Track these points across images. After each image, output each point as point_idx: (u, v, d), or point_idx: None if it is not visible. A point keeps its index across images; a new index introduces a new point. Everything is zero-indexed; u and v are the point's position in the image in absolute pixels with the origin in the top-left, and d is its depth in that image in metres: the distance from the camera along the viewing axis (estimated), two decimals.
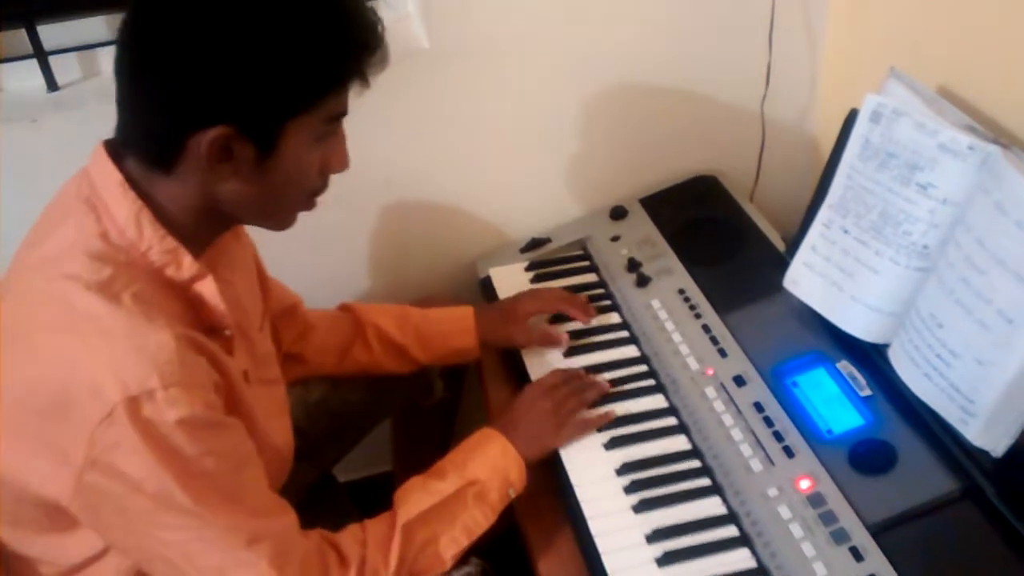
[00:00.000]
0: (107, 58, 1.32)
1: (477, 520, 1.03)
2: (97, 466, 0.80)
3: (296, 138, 0.85)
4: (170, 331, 0.81)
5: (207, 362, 0.85)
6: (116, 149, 0.88)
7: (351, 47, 0.84)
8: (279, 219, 0.93)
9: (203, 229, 0.90)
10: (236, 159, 0.83)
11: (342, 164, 0.91)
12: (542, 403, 1.13)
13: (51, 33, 1.27)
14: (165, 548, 0.85)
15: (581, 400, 1.16)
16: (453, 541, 1.02)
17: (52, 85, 1.29)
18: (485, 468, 1.05)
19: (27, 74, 1.28)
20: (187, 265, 0.87)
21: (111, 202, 0.85)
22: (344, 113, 0.88)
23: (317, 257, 1.40)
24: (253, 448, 0.91)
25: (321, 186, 0.91)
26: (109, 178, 0.85)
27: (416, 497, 1.02)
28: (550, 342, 1.28)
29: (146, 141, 0.85)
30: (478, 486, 1.04)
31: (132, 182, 0.86)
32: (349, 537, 0.98)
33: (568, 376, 1.19)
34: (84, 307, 0.80)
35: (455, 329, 1.30)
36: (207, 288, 0.88)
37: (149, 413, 0.79)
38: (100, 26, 1.30)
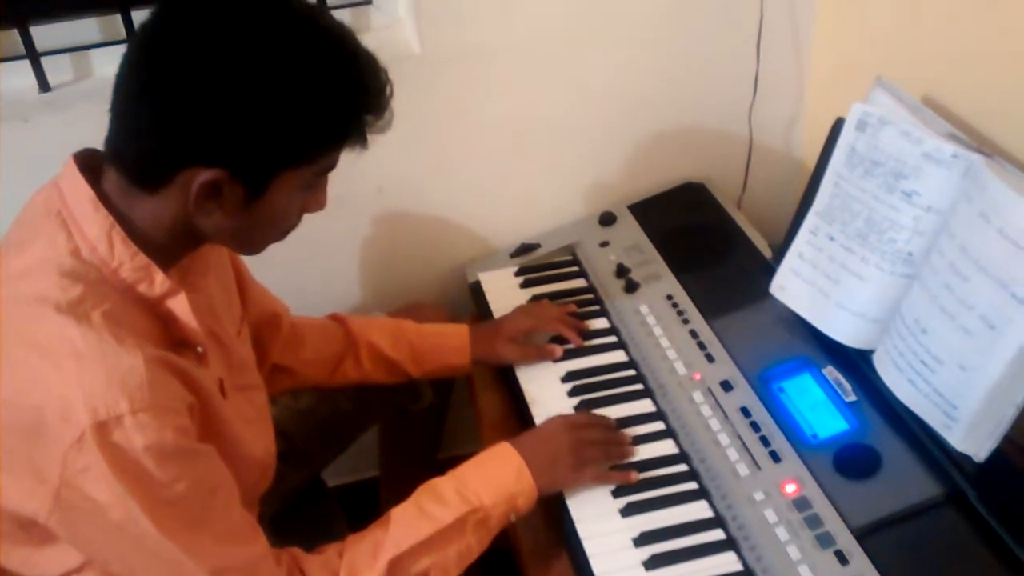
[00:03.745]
0: (99, 60, 1.32)
1: (472, 547, 1.01)
2: (70, 487, 0.80)
3: (286, 186, 0.86)
4: (141, 353, 0.81)
5: (179, 383, 0.85)
6: (90, 162, 0.87)
7: (358, 111, 0.85)
8: (252, 249, 0.94)
9: (176, 246, 0.90)
10: (223, 198, 0.84)
11: (320, 207, 0.93)
12: (564, 437, 1.09)
13: (44, 34, 1.27)
14: (140, 568, 0.86)
15: (606, 452, 1.11)
16: (444, 572, 0.99)
17: (44, 86, 1.29)
18: (492, 492, 1.01)
19: (19, 75, 1.28)
20: (159, 282, 0.86)
21: (82, 219, 0.85)
22: (334, 167, 0.89)
23: (308, 263, 1.40)
24: (226, 473, 0.90)
25: (297, 224, 0.92)
26: (81, 194, 0.85)
27: (411, 523, 0.99)
28: (544, 356, 1.28)
29: (136, 161, 0.84)
30: (481, 513, 1.00)
31: (106, 197, 0.85)
32: (321, 565, 0.96)
33: (598, 421, 1.15)
34: (56, 330, 0.80)
35: (450, 346, 1.30)
36: (179, 305, 0.88)
37: (118, 439, 0.78)
38: (92, 28, 1.31)
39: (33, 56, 1.27)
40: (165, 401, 0.82)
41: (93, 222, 0.84)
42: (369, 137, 0.88)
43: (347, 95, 0.84)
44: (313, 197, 0.91)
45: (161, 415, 0.81)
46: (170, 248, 0.89)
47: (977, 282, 0.97)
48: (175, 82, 0.79)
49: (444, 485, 1.03)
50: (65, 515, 0.82)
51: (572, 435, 1.09)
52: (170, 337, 0.89)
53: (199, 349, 0.92)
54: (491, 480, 1.03)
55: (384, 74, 0.87)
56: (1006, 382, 0.95)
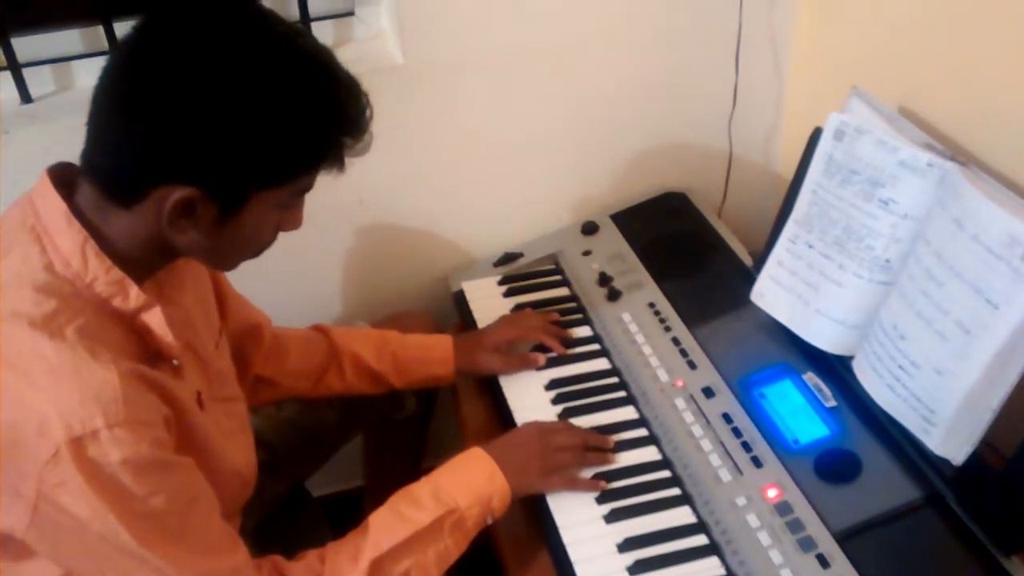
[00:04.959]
0: (81, 71, 1.32)
1: (450, 549, 1.02)
2: (47, 501, 0.80)
3: (261, 205, 0.86)
4: (115, 368, 0.81)
5: (156, 396, 0.85)
6: (64, 175, 0.87)
7: (335, 134, 0.85)
8: (226, 266, 0.95)
9: (151, 260, 0.90)
10: (197, 216, 0.84)
11: (295, 227, 0.93)
12: (534, 442, 1.11)
13: (25, 45, 1.27)
14: None
15: (579, 459, 1.12)
16: (424, 573, 1.00)
17: (26, 97, 1.29)
18: (467, 495, 1.03)
19: (0, 86, 1.28)
20: (134, 296, 0.86)
21: (56, 233, 0.84)
22: (311, 188, 0.90)
23: (290, 274, 1.40)
24: (204, 485, 0.90)
25: (271, 243, 0.93)
26: (54, 208, 0.85)
27: (389, 526, 1.00)
28: (528, 365, 1.29)
29: (110, 176, 0.84)
30: (456, 514, 1.01)
31: (79, 211, 0.85)
32: (304, 569, 0.96)
33: (571, 428, 1.16)
34: (29, 345, 0.80)
35: (433, 358, 1.30)
36: (154, 319, 0.88)
37: (94, 454, 0.78)
38: (75, 39, 1.30)
39: (14, 67, 1.27)
40: (141, 415, 0.82)
41: (67, 236, 0.84)
42: (346, 160, 0.88)
43: (324, 118, 0.84)
44: (288, 216, 0.91)
45: (137, 429, 0.80)
46: (145, 262, 0.89)
47: (953, 288, 0.99)
48: (153, 99, 0.79)
49: (419, 489, 1.04)
50: (42, 530, 0.82)
51: (542, 441, 1.11)
52: (146, 350, 0.88)
53: (175, 362, 0.92)
54: (465, 482, 1.04)
55: (364, 98, 0.87)
56: (982, 386, 0.96)
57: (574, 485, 1.10)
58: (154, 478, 0.82)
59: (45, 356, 0.79)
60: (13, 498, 0.81)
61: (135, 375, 0.83)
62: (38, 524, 0.81)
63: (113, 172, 0.84)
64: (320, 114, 0.84)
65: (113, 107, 0.82)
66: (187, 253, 0.90)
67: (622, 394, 1.23)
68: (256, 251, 0.92)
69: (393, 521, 1.00)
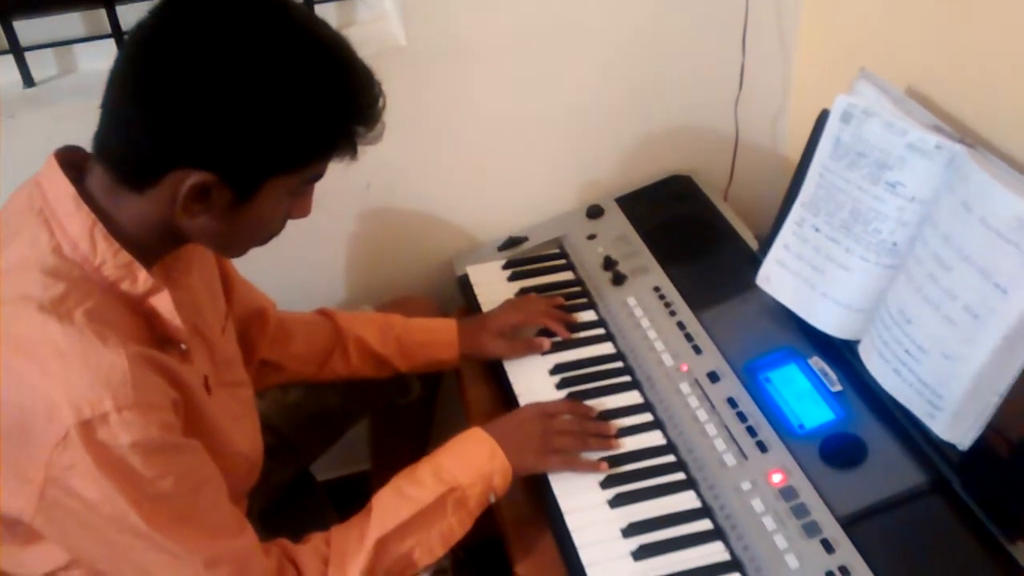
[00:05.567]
0: (84, 55, 1.32)
1: (453, 528, 1.02)
2: (56, 485, 0.80)
3: (274, 192, 0.86)
4: (124, 351, 0.81)
5: (163, 380, 0.85)
6: (72, 158, 0.88)
7: (349, 122, 0.86)
8: (234, 252, 0.96)
9: (160, 244, 0.90)
10: (211, 201, 0.84)
11: (305, 214, 0.93)
12: (535, 423, 1.11)
13: (28, 29, 1.26)
14: (128, 565, 0.86)
15: (580, 442, 1.12)
16: (429, 551, 1.01)
17: (28, 81, 1.28)
18: (468, 472, 1.04)
19: (3, 70, 1.28)
20: (142, 280, 0.86)
21: (64, 216, 0.85)
22: (322, 176, 0.90)
23: (296, 258, 1.39)
24: (212, 468, 0.90)
25: (280, 231, 0.93)
26: (62, 191, 0.85)
27: (392, 506, 1.01)
28: (532, 350, 1.29)
29: (124, 159, 0.84)
30: (458, 492, 1.02)
31: (88, 195, 0.85)
32: (310, 552, 0.97)
33: (574, 410, 1.16)
34: (38, 329, 0.80)
35: (438, 341, 1.30)
36: (162, 303, 0.88)
37: (103, 436, 0.79)
38: (77, 22, 1.30)
39: (17, 51, 1.26)
40: (149, 398, 0.82)
41: (75, 219, 0.84)
42: (359, 148, 0.88)
43: (339, 106, 0.85)
44: (298, 204, 0.92)
45: (146, 412, 0.81)
46: (153, 246, 0.89)
47: (960, 272, 0.98)
48: (171, 84, 0.79)
49: (420, 469, 1.05)
50: (50, 514, 0.82)
51: (542, 422, 1.11)
52: (154, 334, 0.89)
53: (183, 346, 0.92)
54: (466, 461, 1.05)
55: (378, 87, 0.87)
56: (989, 371, 0.96)
57: (574, 465, 1.10)
58: (163, 460, 0.83)
59: (54, 339, 0.80)
60: (21, 482, 0.81)
61: (143, 358, 0.83)
62: (46, 508, 0.81)
63: (128, 155, 0.84)
64: (335, 102, 0.84)
65: (130, 91, 0.82)
66: (196, 239, 0.90)
67: (627, 379, 1.23)
68: (265, 238, 0.93)
69: (396, 501, 1.01)
